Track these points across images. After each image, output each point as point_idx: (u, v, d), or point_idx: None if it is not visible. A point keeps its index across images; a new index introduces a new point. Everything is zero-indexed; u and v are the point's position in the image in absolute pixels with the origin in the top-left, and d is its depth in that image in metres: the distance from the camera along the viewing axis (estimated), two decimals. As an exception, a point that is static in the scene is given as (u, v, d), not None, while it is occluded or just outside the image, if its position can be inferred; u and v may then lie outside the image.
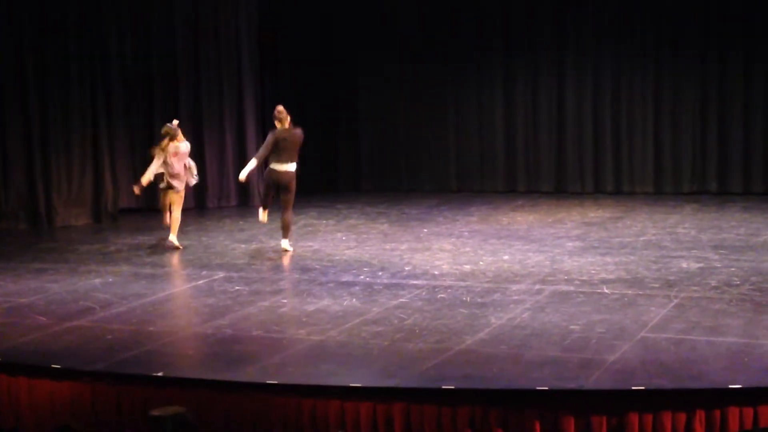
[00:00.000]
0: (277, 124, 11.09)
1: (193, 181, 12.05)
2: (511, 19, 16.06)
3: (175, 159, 11.64)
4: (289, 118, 11.09)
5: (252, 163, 11.21)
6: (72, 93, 13.96)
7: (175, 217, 11.80)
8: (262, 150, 11.12)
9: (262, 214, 11.42)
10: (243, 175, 11.29)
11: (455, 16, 16.31)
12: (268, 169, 11.15)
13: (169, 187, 11.75)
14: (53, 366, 7.20)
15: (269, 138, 11.03)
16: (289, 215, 11.20)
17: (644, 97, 15.60)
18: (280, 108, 11.17)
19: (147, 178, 11.74)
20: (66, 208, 13.99)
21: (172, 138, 11.65)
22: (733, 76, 15.11)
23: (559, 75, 15.95)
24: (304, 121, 17.32)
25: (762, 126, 15.09)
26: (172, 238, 11.74)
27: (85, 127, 14.09)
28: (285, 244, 11.29)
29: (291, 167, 11.04)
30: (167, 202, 11.86)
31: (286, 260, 10.99)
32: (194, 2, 15.21)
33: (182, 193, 11.89)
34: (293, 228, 11.69)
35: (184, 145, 11.73)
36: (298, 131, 11.12)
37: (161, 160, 11.64)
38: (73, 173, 14.07)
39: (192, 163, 11.95)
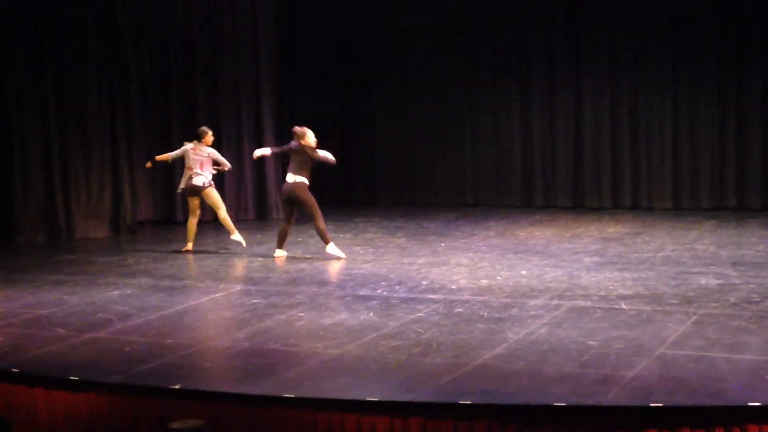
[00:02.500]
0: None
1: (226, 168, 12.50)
2: (527, 33, 16.07)
3: (192, 153, 12.19)
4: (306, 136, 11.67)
5: (266, 150, 12.07)
6: (91, 106, 14.04)
7: (222, 218, 12.35)
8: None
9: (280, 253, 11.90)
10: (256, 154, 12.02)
11: (471, 30, 16.33)
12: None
13: (189, 191, 12.21)
14: (71, 378, 7.20)
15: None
16: (319, 222, 11.52)
17: (662, 113, 15.57)
18: (305, 129, 11.67)
19: (163, 157, 12.49)
20: (85, 220, 14.04)
21: (200, 139, 12.26)
22: (752, 92, 15.07)
23: (576, 89, 15.95)
24: (321, 134, 17.35)
25: (781, 142, 15.05)
26: (235, 237, 12.27)
27: (104, 139, 14.17)
28: (331, 249, 11.56)
29: (290, 179, 11.54)
30: (194, 206, 12.32)
31: (303, 273, 10.99)
32: (212, 16, 15.27)
33: (211, 192, 12.28)
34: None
35: (206, 149, 12.24)
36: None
37: (183, 153, 12.32)
38: (92, 186, 14.14)
39: (219, 158, 12.38)
